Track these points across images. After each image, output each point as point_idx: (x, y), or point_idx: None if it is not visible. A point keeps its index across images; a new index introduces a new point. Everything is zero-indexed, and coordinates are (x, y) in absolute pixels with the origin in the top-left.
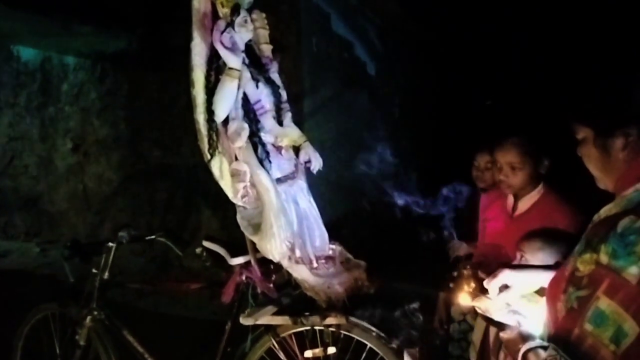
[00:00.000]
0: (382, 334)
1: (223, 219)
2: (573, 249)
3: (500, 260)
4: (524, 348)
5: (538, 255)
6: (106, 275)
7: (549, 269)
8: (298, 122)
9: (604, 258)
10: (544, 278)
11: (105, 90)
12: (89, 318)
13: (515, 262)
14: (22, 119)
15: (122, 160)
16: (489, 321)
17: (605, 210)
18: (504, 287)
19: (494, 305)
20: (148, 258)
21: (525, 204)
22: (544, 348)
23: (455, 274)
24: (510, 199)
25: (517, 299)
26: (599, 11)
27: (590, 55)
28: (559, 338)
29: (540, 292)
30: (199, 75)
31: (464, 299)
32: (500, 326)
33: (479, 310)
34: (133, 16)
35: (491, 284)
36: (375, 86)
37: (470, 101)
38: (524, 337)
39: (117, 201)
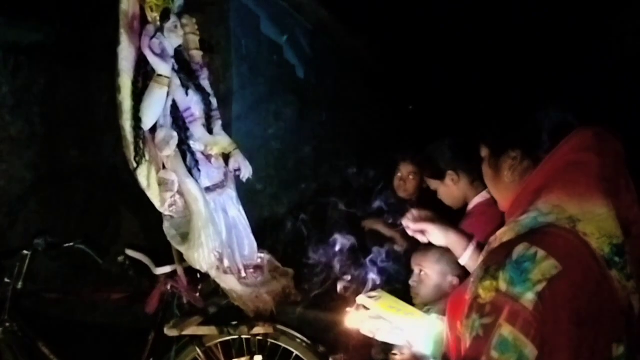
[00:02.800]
0: (308, 341)
1: (144, 223)
2: None
3: None
4: None
5: (436, 267)
6: (20, 284)
7: None
8: (226, 124)
9: (502, 285)
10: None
11: (19, 84)
12: (0, 330)
13: (414, 278)
14: None
15: (37, 159)
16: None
17: (501, 234)
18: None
19: (375, 325)
20: (63, 262)
21: (471, 204)
22: None
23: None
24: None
25: (390, 313)
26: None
27: (494, 77)
28: None
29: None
30: (125, 81)
31: (349, 321)
32: (389, 347)
33: (364, 332)
34: (52, 9)
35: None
36: (303, 90)
37: (396, 107)
38: (417, 358)
39: (29, 202)
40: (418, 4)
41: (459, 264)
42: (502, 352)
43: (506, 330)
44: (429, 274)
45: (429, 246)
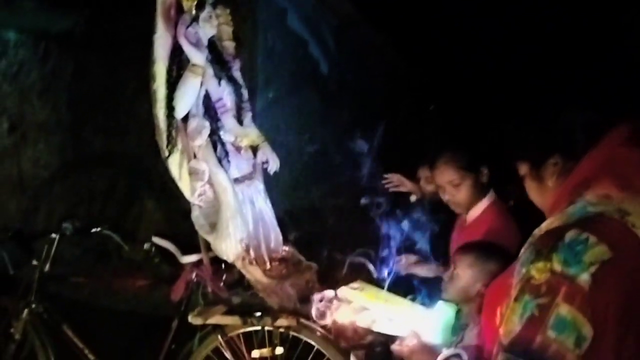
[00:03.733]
0: (330, 336)
1: (167, 211)
2: (503, 269)
3: None
4: (440, 358)
5: (467, 271)
6: (47, 267)
7: None
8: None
9: (557, 266)
10: None
11: (48, 70)
12: (26, 311)
13: (448, 274)
14: None
15: (62, 144)
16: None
17: (547, 224)
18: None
19: (370, 316)
20: (85, 248)
21: (475, 211)
22: (457, 356)
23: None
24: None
25: (376, 303)
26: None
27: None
28: (518, 346)
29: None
30: (160, 69)
31: (342, 316)
32: (392, 339)
33: (362, 325)
34: None
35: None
36: (326, 85)
37: (419, 107)
38: (429, 348)
39: (54, 187)
40: (445, 2)
41: (491, 274)
42: (560, 331)
43: (564, 309)
44: (460, 275)
45: (469, 248)
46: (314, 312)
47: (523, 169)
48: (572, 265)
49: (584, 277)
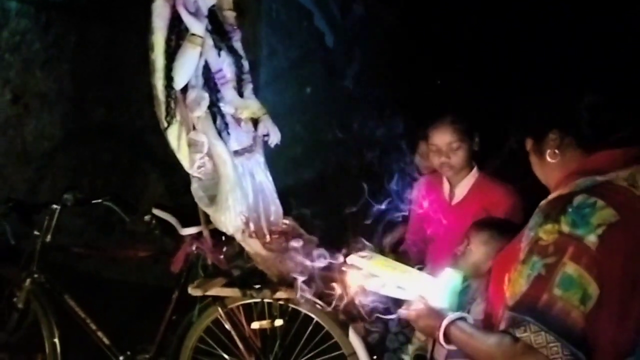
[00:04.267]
0: (329, 308)
1: (169, 184)
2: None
3: (436, 251)
4: (445, 322)
5: (481, 248)
6: (48, 237)
7: None
8: (254, 90)
9: (565, 227)
10: None
11: (50, 41)
12: (28, 281)
13: (461, 248)
14: None
15: (65, 116)
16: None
17: (556, 192)
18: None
19: (380, 281)
20: (88, 219)
21: (462, 189)
22: (463, 319)
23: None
24: (446, 186)
25: (385, 271)
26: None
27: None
28: (524, 305)
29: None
30: (159, 39)
31: (352, 280)
32: (398, 303)
33: (368, 288)
34: None
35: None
36: (331, 58)
37: (424, 82)
38: (435, 311)
39: (58, 159)
40: None
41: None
42: (566, 289)
43: (570, 268)
44: (473, 250)
45: (485, 225)
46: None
47: (528, 144)
48: (579, 226)
49: (591, 238)
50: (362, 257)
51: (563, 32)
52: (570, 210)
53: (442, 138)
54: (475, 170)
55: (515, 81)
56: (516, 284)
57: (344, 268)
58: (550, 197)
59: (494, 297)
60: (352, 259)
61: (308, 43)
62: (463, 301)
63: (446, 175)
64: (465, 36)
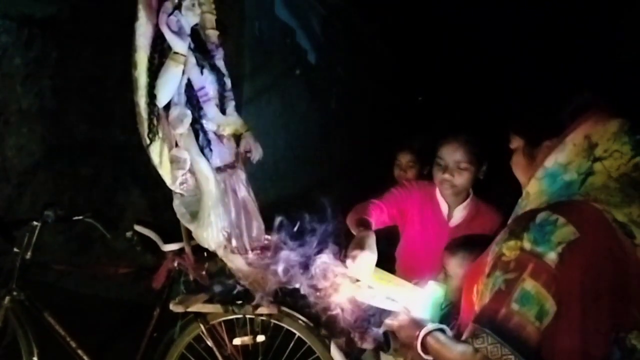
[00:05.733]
0: (311, 324)
1: (151, 199)
2: None
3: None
4: (422, 332)
5: (458, 271)
6: (28, 254)
7: None
8: (236, 106)
9: (527, 244)
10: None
11: (32, 57)
12: (7, 299)
13: (439, 278)
14: None
15: (46, 132)
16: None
17: (522, 207)
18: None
19: (370, 293)
20: (69, 235)
21: (461, 213)
22: (441, 330)
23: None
24: (445, 205)
25: (381, 284)
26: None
27: (526, 68)
28: (484, 318)
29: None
30: (142, 57)
31: (344, 290)
32: (385, 313)
33: (358, 298)
34: None
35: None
36: (314, 75)
37: (406, 97)
38: (416, 322)
39: (38, 175)
40: None
41: None
42: (523, 304)
43: (529, 285)
44: (452, 276)
45: (456, 247)
46: (314, 270)
47: (516, 142)
48: (540, 244)
49: (551, 256)
50: None
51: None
52: (532, 227)
53: (452, 155)
54: (472, 194)
55: (512, 86)
56: (482, 296)
57: (339, 278)
58: (516, 211)
59: (465, 307)
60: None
61: (290, 60)
62: (447, 315)
63: (444, 193)
64: (448, 50)
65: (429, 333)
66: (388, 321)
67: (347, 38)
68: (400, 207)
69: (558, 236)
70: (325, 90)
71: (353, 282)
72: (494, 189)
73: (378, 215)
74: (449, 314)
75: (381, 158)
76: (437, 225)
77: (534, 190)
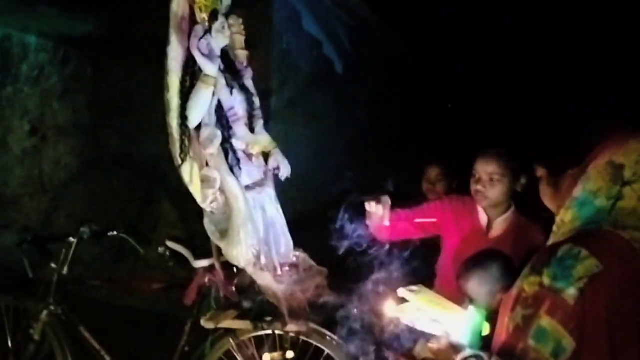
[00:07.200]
0: (340, 341)
1: (183, 212)
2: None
3: None
4: (458, 358)
5: (481, 290)
6: (65, 270)
7: None
8: (265, 118)
9: (546, 280)
10: None
11: (68, 74)
12: (45, 312)
13: (465, 305)
14: None
15: (82, 146)
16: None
17: (556, 235)
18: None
19: (415, 315)
20: (103, 248)
21: (501, 225)
22: (478, 357)
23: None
24: (484, 217)
25: (429, 306)
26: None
27: (549, 98)
28: (505, 352)
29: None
30: (174, 80)
31: (388, 309)
32: (427, 336)
33: (402, 321)
34: (101, 1)
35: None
36: (341, 86)
37: (434, 107)
38: (455, 347)
39: (74, 188)
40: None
41: (503, 278)
42: (539, 341)
43: (545, 321)
44: (478, 300)
45: (471, 270)
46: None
47: (540, 171)
48: (560, 279)
49: (571, 292)
50: (412, 291)
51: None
52: (553, 262)
53: (485, 167)
54: (513, 208)
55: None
56: (508, 329)
57: (390, 300)
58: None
59: (497, 337)
60: (402, 292)
61: (318, 72)
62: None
63: (480, 205)
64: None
65: (465, 359)
66: (429, 344)
67: (375, 48)
68: (434, 219)
69: (580, 270)
70: (353, 100)
71: (399, 303)
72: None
73: (395, 223)
74: (490, 341)
75: (410, 169)
76: (476, 237)
77: (568, 218)
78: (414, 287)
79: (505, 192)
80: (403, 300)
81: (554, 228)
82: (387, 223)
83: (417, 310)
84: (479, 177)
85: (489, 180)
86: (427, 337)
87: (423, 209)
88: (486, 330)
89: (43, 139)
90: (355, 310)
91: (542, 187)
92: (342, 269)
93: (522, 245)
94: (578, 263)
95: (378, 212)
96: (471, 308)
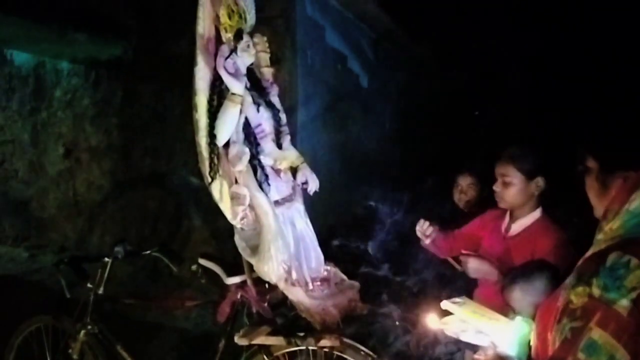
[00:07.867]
0: (374, 355)
1: (214, 229)
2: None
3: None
4: None
5: (523, 302)
6: (101, 290)
7: None
8: (291, 133)
9: (596, 291)
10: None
11: (99, 96)
12: (82, 332)
13: (510, 316)
14: (13, 123)
15: (114, 167)
16: (461, 344)
17: (598, 244)
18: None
19: (460, 327)
20: (137, 267)
21: (519, 226)
22: None
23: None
24: (507, 218)
25: (474, 318)
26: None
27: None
28: None
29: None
30: (202, 100)
31: (432, 321)
32: (473, 348)
33: (447, 333)
34: (129, 25)
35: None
36: (367, 99)
37: (462, 116)
38: (503, 358)
39: (107, 208)
40: (481, 12)
41: (549, 289)
42: (590, 355)
43: (596, 334)
44: (522, 311)
45: (511, 282)
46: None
47: (590, 163)
48: (611, 290)
49: (623, 303)
50: (455, 302)
51: None
52: (602, 271)
53: (499, 169)
54: (538, 211)
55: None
56: (554, 342)
57: (433, 313)
58: (586, 254)
59: (540, 349)
60: (446, 304)
61: (343, 85)
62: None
63: (500, 206)
64: (500, 69)
65: None
66: (476, 356)
67: (398, 59)
68: (474, 233)
69: (632, 280)
70: (379, 112)
71: (442, 316)
72: (563, 207)
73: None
74: None
75: (439, 178)
76: (496, 236)
77: (616, 226)
78: (457, 299)
79: (519, 193)
80: (446, 313)
81: (599, 235)
82: (427, 241)
83: (461, 322)
84: (496, 179)
85: (502, 182)
86: (473, 348)
87: (471, 224)
88: (533, 340)
89: (77, 161)
90: (393, 324)
91: (590, 180)
92: (375, 281)
93: (530, 250)
94: (629, 273)
95: (427, 231)
96: (518, 318)
